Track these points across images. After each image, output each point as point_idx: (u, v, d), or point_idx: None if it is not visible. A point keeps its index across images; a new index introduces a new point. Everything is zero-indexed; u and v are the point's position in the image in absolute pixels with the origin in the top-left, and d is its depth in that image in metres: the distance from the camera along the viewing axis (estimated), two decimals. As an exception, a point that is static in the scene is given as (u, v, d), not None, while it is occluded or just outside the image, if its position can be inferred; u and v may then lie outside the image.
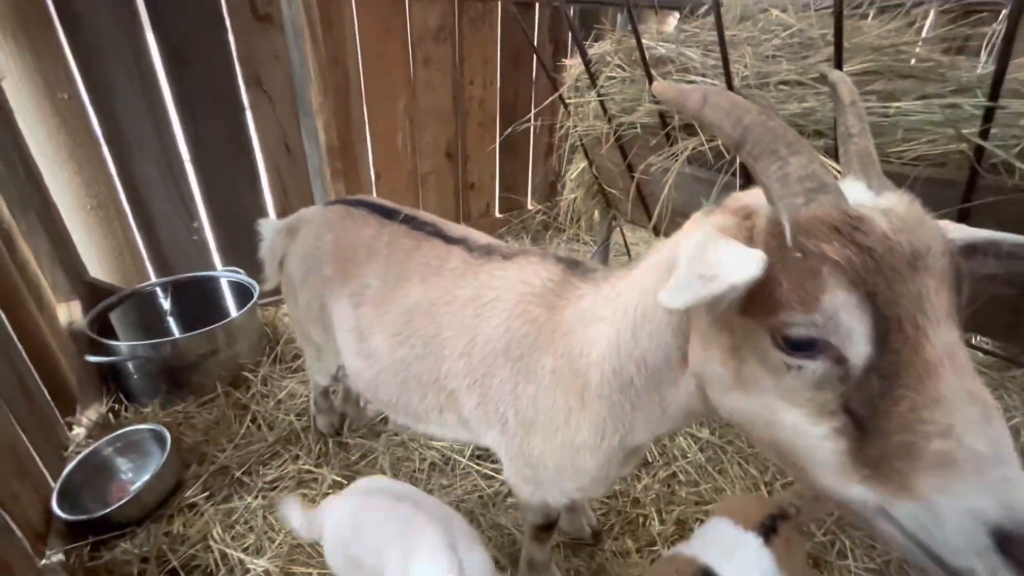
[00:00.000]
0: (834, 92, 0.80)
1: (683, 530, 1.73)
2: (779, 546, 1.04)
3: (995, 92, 1.06)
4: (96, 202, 2.31)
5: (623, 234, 3.17)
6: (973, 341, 1.99)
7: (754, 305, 0.60)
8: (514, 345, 1.10)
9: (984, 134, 1.14)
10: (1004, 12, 2.24)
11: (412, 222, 1.43)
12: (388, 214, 1.47)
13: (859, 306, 0.53)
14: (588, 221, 3.11)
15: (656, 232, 2.51)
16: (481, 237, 1.38)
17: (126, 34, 2.19)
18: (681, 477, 1.92)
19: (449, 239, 1.36)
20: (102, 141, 2.26)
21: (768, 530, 1.06)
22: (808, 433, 0.58)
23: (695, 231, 0.66)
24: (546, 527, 1.33)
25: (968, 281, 0.57)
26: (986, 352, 1.85)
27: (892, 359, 0.52)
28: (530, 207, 3.92)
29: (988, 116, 1.11)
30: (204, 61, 2.37)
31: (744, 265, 0.56)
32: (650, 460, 1.98)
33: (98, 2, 2.10)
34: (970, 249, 0.65)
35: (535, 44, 3.35)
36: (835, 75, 0.81)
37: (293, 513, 1.31)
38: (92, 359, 1.94)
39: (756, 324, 0.61)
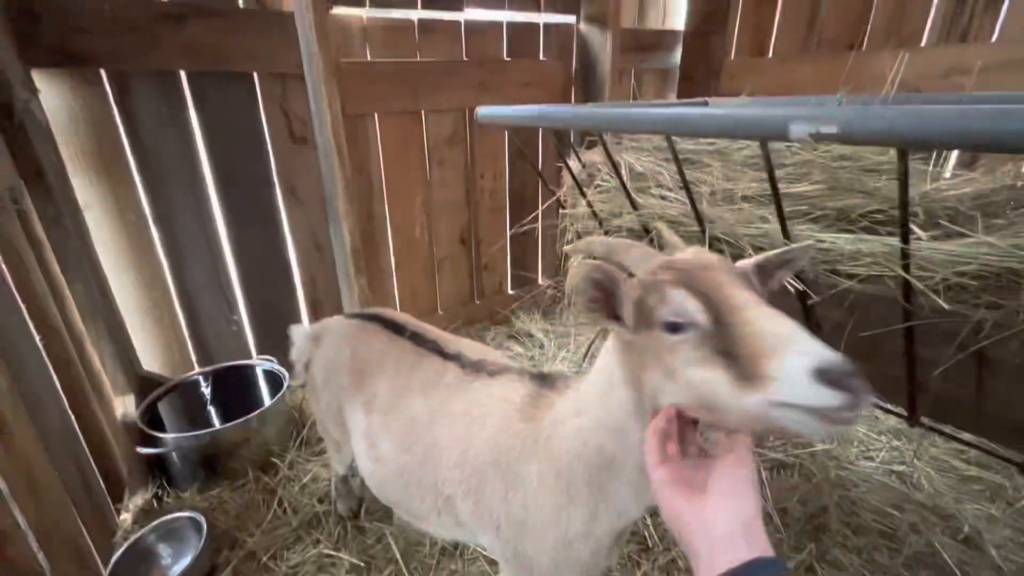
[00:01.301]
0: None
1: (681, 620, 1.79)
2: None
3: (904, 236, 1.23)
4: (151, 303, 2.64)
5: (626, 312, 3.34)
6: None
7: (642, 323, 0.88)
8: (502, 458, 1.25)
9: (907, 266, 1.30)
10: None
11: (416, 338, 1.64)
12: (397, 329, 1.69)
13: (686, 295, 0.82)
14: (593, 300, 3.30)
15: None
16: (474, 352, 1.56)
17: (186, 162, 2.58)
18: (680, 563, 1.98)
19: (446, 355, 1.55)
20: (160, 252, 2.61)
21: None
22: (708, 378, 0.79)
23: None
24: None
25: (758, 282, 0.91)
26: (972, 446, 1.92)
27: (718, 312, 0.79)
28: (541, 283, 4.15)
29: (903, 254, 1.28)
30: (248, 179, 2.75)
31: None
32: (650, 545, 2.06)
33: (164, 137, 2.50)
34: (761, 269, 0.94)
35: (539, 142, 3.69)
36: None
37: None
38: (144, 451, 2.18)
39: (652, 332, 0.86)
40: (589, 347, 3.34)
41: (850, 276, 1.53)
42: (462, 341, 1.66)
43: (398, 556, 2.00)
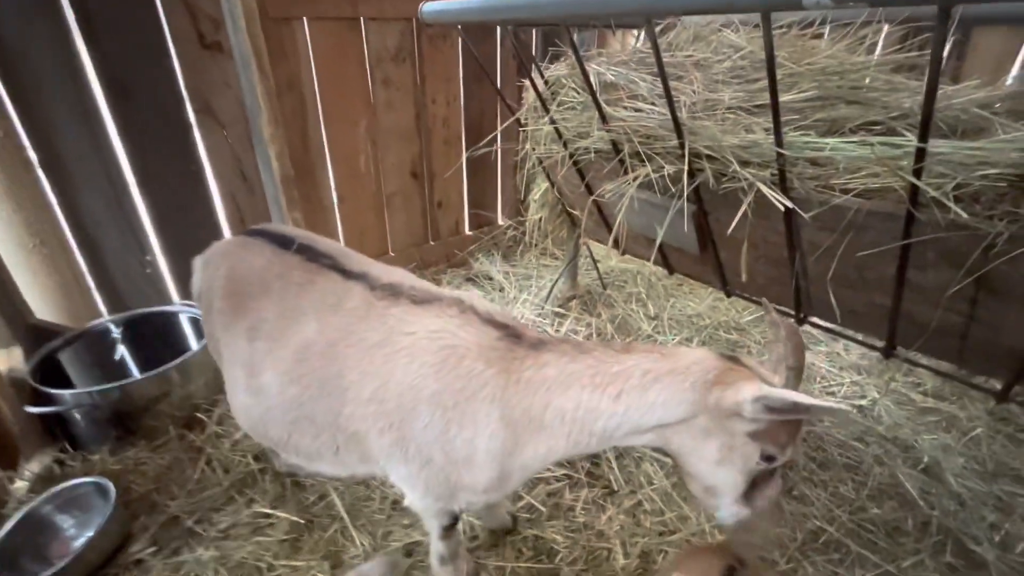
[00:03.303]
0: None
1: (647, 563, 1.70)
2: None
3: (923, 134, 1.05)
4: (39, 240, 2.23)
5: (590, 250, 3.16)
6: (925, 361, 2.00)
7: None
8: (447, 395, 1.17)
9: (918, 171, 1.13)
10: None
11: (307, 252, 1.42)
12: (284, 243, 1.45)
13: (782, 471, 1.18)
14: (556, 238, 3.09)
15: (617, 247, 2.48)
16: (383, 274, 1.37)
17: (63, 67, 2.11)
18: (647, 506, 1.89)
19: (348, 274, 1.35)
20: (42, 177, 2.18)
21: None
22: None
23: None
24: (452, 525, 1.45)
25: None
26: (943, 374, 1.86)
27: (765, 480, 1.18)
28: (500, 223, 3.88)
29: (919, 155, 1.10)
30: (149, 91, 2.30)
31: None
32: (616, 489, 1.96)
33: (31, 35, 2.02)
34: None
35: (497, 61, 3.32)
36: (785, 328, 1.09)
37: None
38: (33, 410, 1.86)
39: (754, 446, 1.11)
40: (552, 289, 3.16)
41: (845, 192, 1.37)
42: (367, 259, 1.46)
43: (343, 513, 1.82)
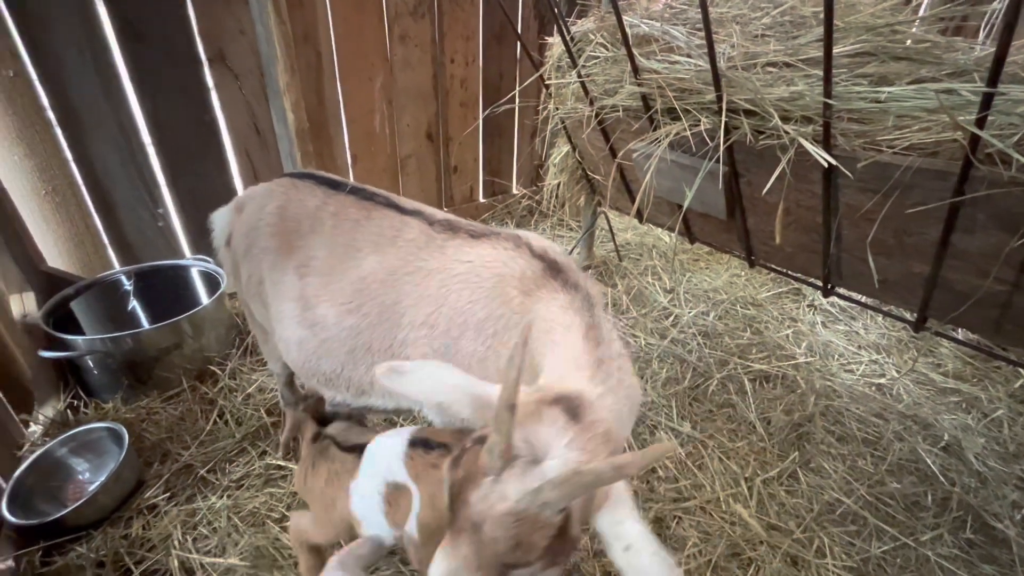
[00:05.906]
0: None
1: (661, 528, 1.69)
2: (419, 464, 1.08)
3: (994, 77, 0.98)
4: (51, 187, 2.19)
5: (608, 220, 3.09)
6: (957, 334, 1.95)
7: None
8: (490, 323, 1.15)
9: (980, 122, 1.06)
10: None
11: (360, 192, 1.42)
12: (334, 185, 1.45)
13: None
14: (573, 207, 3.03)
15: (640, 219, 2.42)
16: (437, 212, 1.39)
17: (75, 5, 2.04)
18: (660, 473, 1.88)
19: (404, 210, 1.37)
20: (54, 121, 2.13)
21: (420, 443, 1.10)
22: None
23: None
24: None
25: None
26: (972, 346, 1.81)
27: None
28: (515, 191, 3.81)
29: (986, 103, 1.03)
30: (161, 35, 2.22)
31: None
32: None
33: (42, -30, 1.95)
34: None
35: (519, 20, 3.21)
36: None
37: None
38: (46, 354, 1.85)
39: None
40: (567, 258, 3.10)
41: (892, 148, 1.30)
42: (416, 201, 1.46)
43: (356, 468, 1.81)
